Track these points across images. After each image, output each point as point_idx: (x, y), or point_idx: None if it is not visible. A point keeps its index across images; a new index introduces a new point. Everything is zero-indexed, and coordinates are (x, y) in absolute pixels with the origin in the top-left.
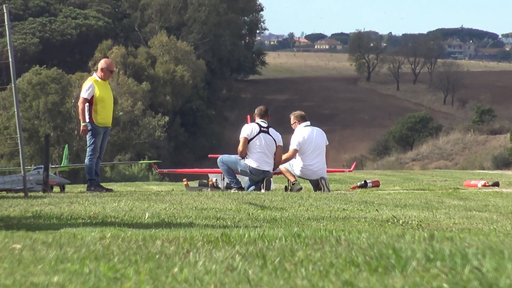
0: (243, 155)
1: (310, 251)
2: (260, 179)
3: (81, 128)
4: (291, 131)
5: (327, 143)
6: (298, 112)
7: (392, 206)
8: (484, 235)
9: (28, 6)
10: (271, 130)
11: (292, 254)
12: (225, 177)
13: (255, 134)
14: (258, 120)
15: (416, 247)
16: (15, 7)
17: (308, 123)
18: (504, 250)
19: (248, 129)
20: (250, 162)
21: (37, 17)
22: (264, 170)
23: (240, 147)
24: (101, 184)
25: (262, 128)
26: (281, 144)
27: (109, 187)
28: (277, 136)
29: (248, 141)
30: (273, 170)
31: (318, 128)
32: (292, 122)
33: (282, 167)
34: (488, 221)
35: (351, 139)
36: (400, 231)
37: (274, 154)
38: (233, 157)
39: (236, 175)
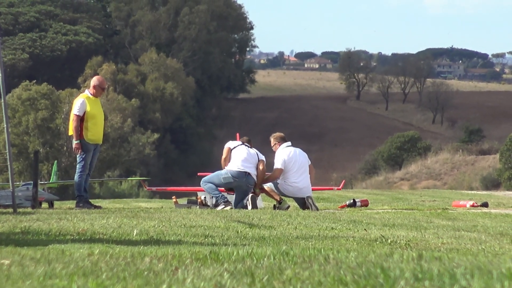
0: (226, 164)
1: (299, 270)
2: (244, 185)
3: (74, 146)
4: (274, 153)
5: (310, 162)
6: (278, 134)
7: (381, 226)
8: (472, 255)
9: (18, 22)
10: (254, 148)
11: (281, 273)
12: (210, 194)
13: (237, 145)
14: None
15: (405, 267)
16: (5, 22)
17: (289, 143)
18: (492, 270)
19: (231, 142)
20: (231, 166)
21: (27, 33)
22: (246, 172)
23: (223, 156)
24: (89, 200)
25: (245, 144)
26: (264, 159)
27: (97, 204)
28: (259, 153)
29: (230, 150)
30: (257, 186)
31: (299, 148)
32: (272, 144)
33: (266, 186)
34: (476, 241)
35: (340, 158)
36: (389, 250)
37: (257, 168)
38: (215, 172)
39: (222, 192)
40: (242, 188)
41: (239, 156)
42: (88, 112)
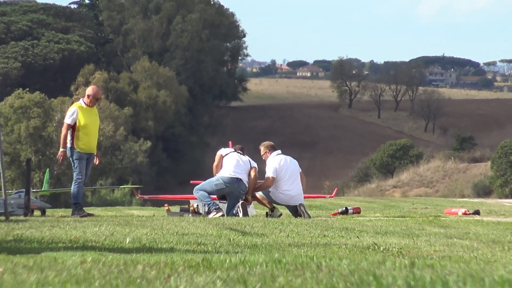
0: (218, 171)
1: (291, 277)
2: (236, 191)
3: (59, 153)
4: (264, 161)
5: (300, 170)
6: (267, 142)
7: (373, 233)
8: (464, 262)
9: (11, 30)
10: (246, 155)
11: (273, 280)
12: (202, 202)
13: (229, 152)
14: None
15: (397, 274)
16: None
17: (279, 151)
18: (484, 277)
19: (223, 149)
20: (223, 172)
21: (20, 41)
22: (237, 178)
23: (215, 163)
24: (83, 208)
25: (237, 151)
26: (256, 166)
27: (90, 212)
28: (252, 160)
29: (222, 157)
30: (249, 193)
31: (290, 156)
32: (262, 153)
33: (258, 194)
34: (469, 248)
35: (332, 166)
36: (381, 258)
37: (249, 175)
38: (207, 180)
39: (215, 200)
40: (234, 194)
41: (231, 163)
42: (80, 122)
